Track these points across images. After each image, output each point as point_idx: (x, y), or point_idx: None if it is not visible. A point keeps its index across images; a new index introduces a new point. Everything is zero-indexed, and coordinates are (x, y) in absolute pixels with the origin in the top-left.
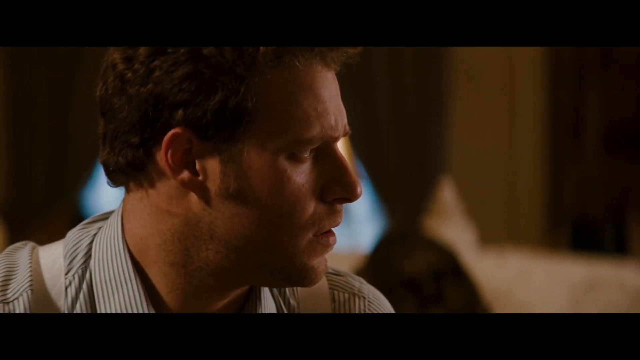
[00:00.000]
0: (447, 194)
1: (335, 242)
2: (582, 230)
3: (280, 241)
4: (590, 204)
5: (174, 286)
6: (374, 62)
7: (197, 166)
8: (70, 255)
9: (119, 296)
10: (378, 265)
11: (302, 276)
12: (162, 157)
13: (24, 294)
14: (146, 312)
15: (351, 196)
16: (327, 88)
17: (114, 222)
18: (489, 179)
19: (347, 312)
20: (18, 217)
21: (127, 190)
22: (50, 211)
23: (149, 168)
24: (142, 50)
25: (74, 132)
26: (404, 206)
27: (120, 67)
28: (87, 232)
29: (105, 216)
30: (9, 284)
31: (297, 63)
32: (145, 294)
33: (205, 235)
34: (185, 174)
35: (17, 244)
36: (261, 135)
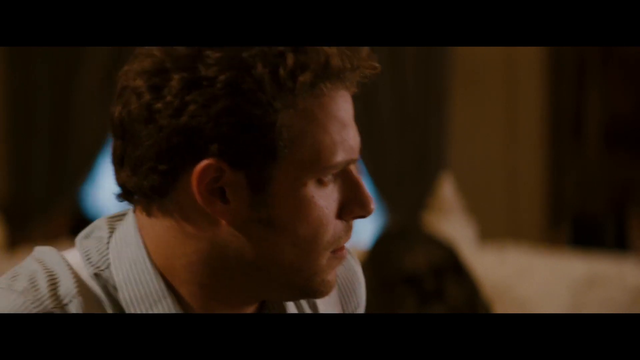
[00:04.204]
0: (448, 190)
1: (347, 255)
2: (583, 227)
3: (305, 262)
4: (591, 200)
5: (201, 304)
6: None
7: (227, 194)
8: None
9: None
10: (378, 261)
11: (320, 290)
12: (193, 185)
13: (74, 300)
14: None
15: (367, 214)
16: (348, 112)
17: (134, 239)
18: (489, 175)
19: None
20: (19, 213)
21: (148, 213)
22: (50, 207)
23: (174, 194)
24: (175, 83)
25: (74, 128)
26: (405, 202)
27: (147, 96)
28: (98, 245)
29: (111, 227)
30: (58, 289)
31: (325, 90)
32: (182, 311)
33: (233, 259)
34: (215, 202)
35: (41, 249)
36: (291, 164)
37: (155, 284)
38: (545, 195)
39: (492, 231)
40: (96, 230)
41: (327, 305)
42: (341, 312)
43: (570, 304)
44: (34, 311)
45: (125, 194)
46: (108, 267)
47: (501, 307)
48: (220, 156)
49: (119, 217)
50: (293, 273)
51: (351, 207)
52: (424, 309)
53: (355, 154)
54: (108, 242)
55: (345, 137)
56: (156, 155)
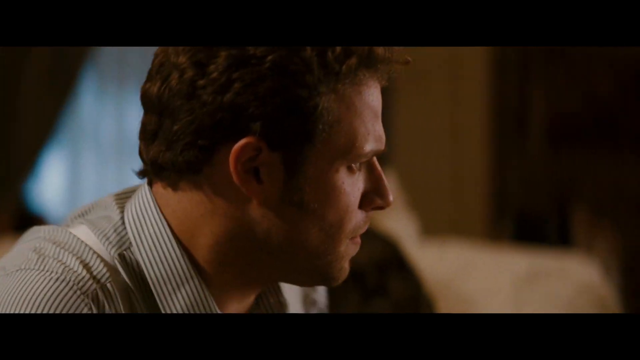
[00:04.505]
0: (390, 186)
1: (359, 244)
2: (526, 223)
3: (328, 247)
4: (534, 196)
5: (223, 283)
6: None
7: (262, 174)
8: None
9: (182, 295)
10: None
11: (337, 277)
12: (230, 162)
13: (110, 280)
14: (213, 309)
15: (386, 205)
16: (380, 103)
17: (154, 216)
18: (433, 171)
19: None
20: None
21: (175, 189)
22: None
23: (208, 170)
24: (222, 60)
25: (18, 125)
26: None
27: (191, 72)
28: (112, 224)
29: (120, 205)
30: (92, 270)
31: (363, 78)
32: (209, 292)
33: (260, 239)
34: (250, 181)
35: (45, 228)
36: (327, 148)
37: (182, 264)
38: (488, 192)
39: (435, 227)
40: (99, 209)
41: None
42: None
43: (512, 299)
44: (79, 292)
45: (155, 170)
46: (129, 247)
47: (444, 302)
48: (261, 135)
49: (126, 194)
50: (316, 257)
51: (373, 197)
52: (367, 304)
53: (383, 145)
54: (122, 221)
55: (376, 127)
56: (196, 130)
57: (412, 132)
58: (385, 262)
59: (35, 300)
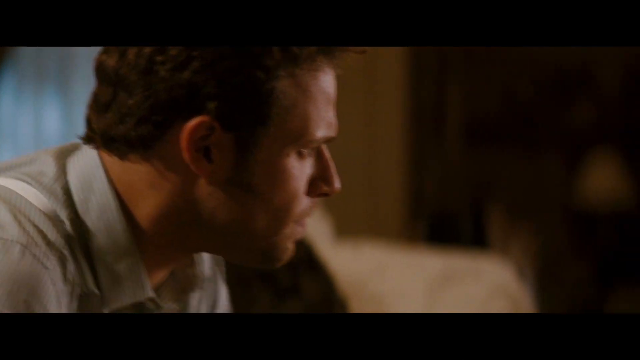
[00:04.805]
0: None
1: (306, 228)
2: (442, 223)
3: (273, 229)
4: (450, 197)
5: (158, 253)
6: None
7: (213, 153)
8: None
9: (121, 267)
10: None
11: (279, 257)
12: (182, 140)
13: (63, 246)
14: (146, 284)
15: (332, 192)
16: (334, 90)
17: (102, 185)
18: (348, 171)
19: None
20: None
21: (124, 161)
22: None
23: (159, 146)
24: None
25: None
26: None
27: (149, 48)
28: (54, 183)
29: (60, 164)
30: (47, 235)
31: (321, 64)
32: (144, 268)
33: (205, 217)
34: (200, 159)
35: None
36: (280, 132)
37: (126, 237)
38: (404, 192)
39: (351, 227)
40: (37, 162)
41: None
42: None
43: (426, 300)
44: (37, 259)
45: (105, 140)
46: (76, 211)
47: (357, 302)
48: (215, 115)
49: (66, 152)
50: (260, 239)
51: (319, 183)
52: (279, 304)
53: (334, 132)
54: (66, 181)
55: (329, 113)
56: (151, 106)
57: None
58: (298, 262)
59: (9, 278)
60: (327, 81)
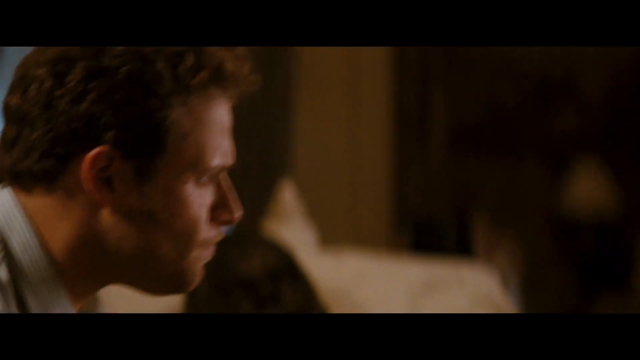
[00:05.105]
0: (288, 196)
1: (212, 252)
2: (425, 231)
3: (180, 255)
4: (434, 204)
5: (84, 289)
6: None
7: (114, 183)
8: None
9: (49, 300)
10: (214, 265)
11: (189, 282)
12: (83, 171)
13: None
14: (71, 311)
15: (233, 221)
16: (229, 120)
17: (20, 222)
18: (332, 180)
19: None
20: None
21: (31, 197)
22: None
23: (63, 178)
24: (79, 70)
25: None
26: (245, 208)
27: (49, 83)
28: None
29: None
30: None
31: (214, 94)
32: (69, 299)
33: (112, 247)
34: (102, 189)
35: None
36: (177, 160)
37: (49, 272)
38: (388, 200)
39: (334, 236)
40: None
41: None
42: None
43: (408, 309)
44: None
45: (12, 176)
46: (5, 250)
47: (338, 311)
48: (114, 145)
49: None
50: (167, 265)
51: (220, 211)
52: (260, 313)
53: (231, 160)
54: None
55: (224, 142)
56: (53, 139)
57: (310, 139)
58: (278, 271)
59: None
60: (221, 111)
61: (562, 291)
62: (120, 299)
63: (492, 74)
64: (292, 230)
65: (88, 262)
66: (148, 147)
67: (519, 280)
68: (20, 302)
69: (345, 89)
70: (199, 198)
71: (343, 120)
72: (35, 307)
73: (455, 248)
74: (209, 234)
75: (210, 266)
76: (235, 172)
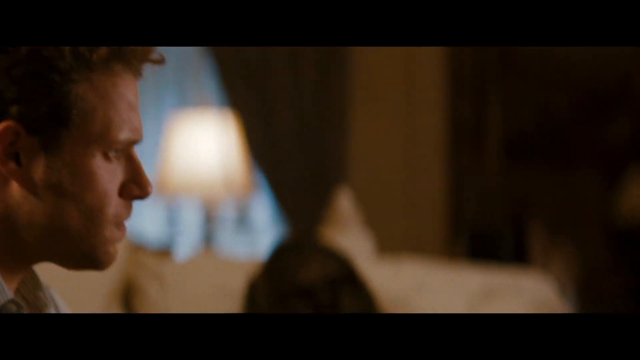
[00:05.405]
0: (345, 203)
1: (125, 232)
2: (482, 240)
3: (90, 230)
4: (491, 213)
5: (11, 264)
6: (273, 70)
7: (22, 157)
8: None
9: None
10: (273, 274)
11: (102, 260)
12: None
13: None
14: (4, 287)
15: (144, 195)
16: (136, 96)
17: None
18: (388, 188)
19: None
20: None
21: None
22: None
23: None
24: None
25: None
26: (303, 215)
27: None
28: None
29: None
30: None
31: (117, 70)
32: (2, 276)
33: (24, 222)
34: (10, 164)
35: None
36: (82, 134)
37: None
38: (444, 208)
39: (391, 244)
40: None
41: None
42: None
43: None
44: None
45: None
46: None
47: None
48: (19, 119)
49: None
50: (79, 240)
51: (131, 187)
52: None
53: (139, 136)
54: None
55: (131, 117)
56: None
57: (367, 149)
58: (338, 278)
59: None
60: (126, 87)
61: (617, 298)
62: (183, 302)
63: (547, 83)
64: (350, 238)
65: (8, 238)
66: (52, 122)
67: (575, 288)
68: None
69: (401, 97)
70: (108, 172)
71: (399, 127)
72: None
73: (512, 256)
74: (120, 209)
75: (270, 274)
76: (291, 179)
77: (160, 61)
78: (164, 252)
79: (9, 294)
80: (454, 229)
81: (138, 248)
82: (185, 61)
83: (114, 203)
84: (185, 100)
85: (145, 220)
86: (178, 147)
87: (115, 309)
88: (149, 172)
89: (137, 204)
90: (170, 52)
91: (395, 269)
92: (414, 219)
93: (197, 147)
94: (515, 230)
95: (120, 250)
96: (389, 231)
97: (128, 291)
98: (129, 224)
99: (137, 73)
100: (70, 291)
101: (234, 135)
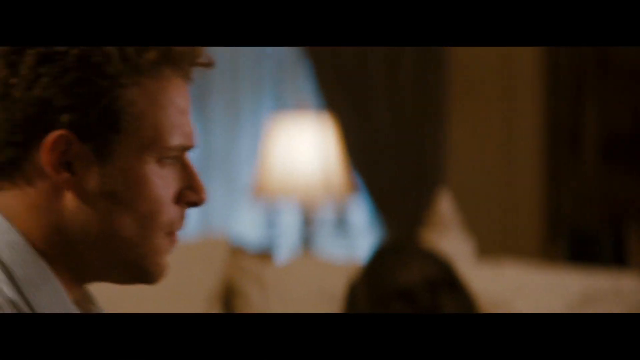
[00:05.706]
0: (445, 206)
1: (175, 244)
2: (580, 242)
3: (142, 239)
4: (589, 215)
5: (63, 277)
6: (370, 72)
7: (75, 166)
8: None
9: (45, 293)
10: (373, 277)
11: (152, 272)
12: (44, 156)
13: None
14: (68, 303)
15: (199, 202)
16: (186, 100)
17: (3, 223)
18: (487, 190)
19: None
20: None
21: (2, 189)
22: None
23: (25, 166)
24: (30, 58)
25: None
26: (402, 218)
27: (3, 73)
28: None
29: None
30: None
31: (166, 74)
32: (63, 289)
33: (79, 232)
34: (64, 173)
35: None
36: (135, 141)
37: (37, 262)
38: (542, 210)
39: (489, 246)
40: None
41: None
42: None
43: None
44: None
45: None
46: None
47: None
48: (70, 127)
49: None
50: (131, 249)
51: (186, 193)
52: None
53: (191, 141)
54: None
55: (182, 122)
56: (11, 127)
57: (466, 152)
58: (438, 281)
59: None
60: (176, 92)
61: None
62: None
63: None
64: (450, 240)
65: (67, 249)
66: (103, 128)
67: None
68: (26, 302)
69: (499, 99)
70: (162, 179)
71: (497, 130)
72: (39, 302)
73: (611, 259)
74: (174, 217)
75: (370, 277)
76: (389, 182)
77: (209, 64)
78: (264, 255)
79: (72, 306)
80: (552, 231)
81: (238, 251)
82: (282, 64)
83: (168, 210)
84: (283, 104)
85: (244, 224)
86: (276, 150)
87: (215, 311)
88: (248, 175)
89: (236, 207)
90: (266, 56)
91: (494, 271)
92: (511, 221)
93: (295, 150)
94: (613, 232)
95: (220, 253)
96: (487, 233)
97: (228, 294)
98: (226, 225)
99: (187, 77)
100: (170, 295)
101: (331, 138)
